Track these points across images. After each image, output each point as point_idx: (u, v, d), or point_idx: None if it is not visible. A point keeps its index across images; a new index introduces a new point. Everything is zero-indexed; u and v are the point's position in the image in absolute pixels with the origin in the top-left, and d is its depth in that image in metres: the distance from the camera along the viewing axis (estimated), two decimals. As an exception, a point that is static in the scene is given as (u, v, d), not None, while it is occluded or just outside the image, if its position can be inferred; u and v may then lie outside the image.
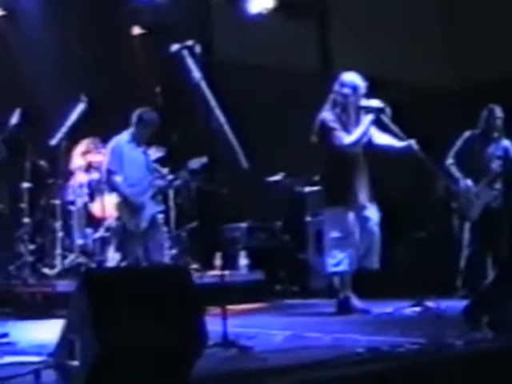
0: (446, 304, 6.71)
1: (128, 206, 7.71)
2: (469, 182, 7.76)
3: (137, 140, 7.91)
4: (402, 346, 4.27)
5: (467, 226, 7.90)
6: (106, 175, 7.80)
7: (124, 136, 7.91)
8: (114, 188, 7.81)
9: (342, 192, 6.91)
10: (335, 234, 6.89)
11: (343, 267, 6.84)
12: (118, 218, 7.83)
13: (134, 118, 7.87)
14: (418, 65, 11.07)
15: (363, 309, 6.83)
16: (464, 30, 11.06)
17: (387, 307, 6.75)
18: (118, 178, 7.71)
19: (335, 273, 6.96)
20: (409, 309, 6.66)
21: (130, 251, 7.71)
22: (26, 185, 8.21)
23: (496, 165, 7.92)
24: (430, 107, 10.55)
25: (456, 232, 8.06)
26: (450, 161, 7.94)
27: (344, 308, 6.83)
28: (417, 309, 6.65)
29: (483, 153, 7.93)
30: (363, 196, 6.98)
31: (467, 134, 7.93)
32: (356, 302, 6.89)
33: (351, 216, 6.88)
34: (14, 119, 6.03)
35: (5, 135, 5.84)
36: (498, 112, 7.89)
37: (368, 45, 11.03)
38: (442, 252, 8.40)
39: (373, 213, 7.02)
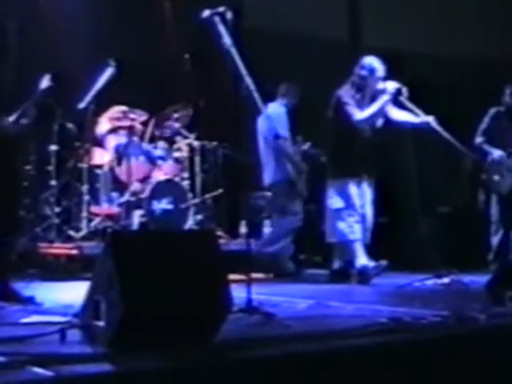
0: (469, 278, 6.70)
1: (296, 168, 8.14)
2: (502, 153, 7.71)
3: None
4: (424, 317, 4.27)
5: (494, 200, 7.85)
6: (275, 139, 8.00)
7: (281, 108, 8.12)
8: (282, 151, 8.03)
9: (344, 165, 7.14)
10: (338, 205, 7.12)
11: (353, 236, 7.04)
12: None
13: (289, 90, 8.22)
14: (448, 37, 10.98)
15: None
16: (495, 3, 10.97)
17: (411, 280, 6.74)
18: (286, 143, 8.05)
19: (345, 241, 7.11)
20: (432, 281, 6.67)
21: (298, 211, 8.24)
22: (53, 147, 8.25)
23: None
24: (459, 80, 10.47)
25: (482, 207, 8.03)
26: (479, 139, 7.88)
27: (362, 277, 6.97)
28: (440, 282, 6.65)
29: (511, 128, 7.89)
30: (363, 171, 7.16)
31: (492, 110, 7.90)
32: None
33: (353, 188, 7.08)
34: (43, 84, 6.03)
35: (34, 99, 5.84)
36: None
37: (397, 17, 10.96)
38: (466, 226, 8.37)
39: (367, 191, 7.19)
